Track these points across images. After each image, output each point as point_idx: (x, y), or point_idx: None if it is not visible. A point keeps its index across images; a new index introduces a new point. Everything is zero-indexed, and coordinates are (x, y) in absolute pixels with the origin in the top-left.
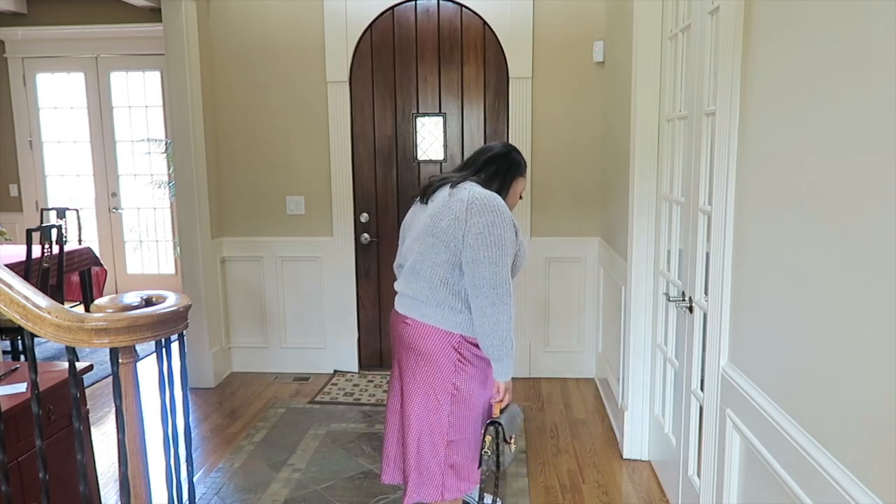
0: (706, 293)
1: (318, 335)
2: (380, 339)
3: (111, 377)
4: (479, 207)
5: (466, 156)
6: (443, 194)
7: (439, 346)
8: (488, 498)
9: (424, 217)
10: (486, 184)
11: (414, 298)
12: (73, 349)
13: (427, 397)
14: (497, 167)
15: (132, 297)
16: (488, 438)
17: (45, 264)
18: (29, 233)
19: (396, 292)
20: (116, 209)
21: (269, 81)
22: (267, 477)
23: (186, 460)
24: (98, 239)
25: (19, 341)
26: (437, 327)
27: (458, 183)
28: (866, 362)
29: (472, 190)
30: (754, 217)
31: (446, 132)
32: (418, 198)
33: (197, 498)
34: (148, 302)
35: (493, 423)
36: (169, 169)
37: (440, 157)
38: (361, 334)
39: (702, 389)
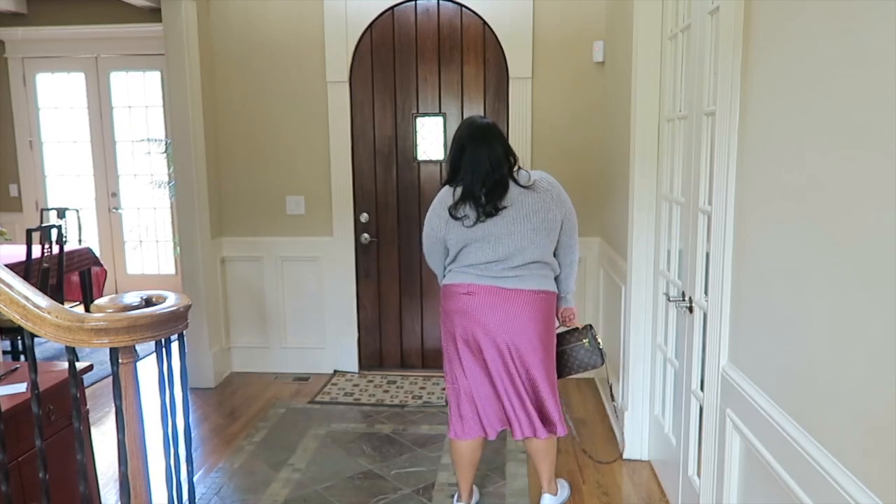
0: (706, 293)
1: (318, 335)
2: (380, 339)
3: (111, 377)
4: (557, 189)
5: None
6: (517, 195)
7: (554, 303)
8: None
9: (520, 217)
10: (517, 163)
11: (540, 275)
12: (73, 349)
13: (553, 348)
14: (507, 144)
15: (132, 297)
16: (590, 338)
17: (45, 264)
18: (29, 233)
19: (483, 276)
20: (116, 209)
21: (268, 81)
22: (267, 477)
23: (186, 460)
24: (98, 239)
25: (19, 341)
26: (555, 291)
27: (517, 178)
28: (867, 362)
29: (538, 178)
30: (754, 217)
31: (446, 132)
32: (477, 218)
33: (197, 498)
34: (148, 302)
35: (589, 325)
36: (169, 169)
37: (440, 157)
38: (361, 334)
39: (702, 389)
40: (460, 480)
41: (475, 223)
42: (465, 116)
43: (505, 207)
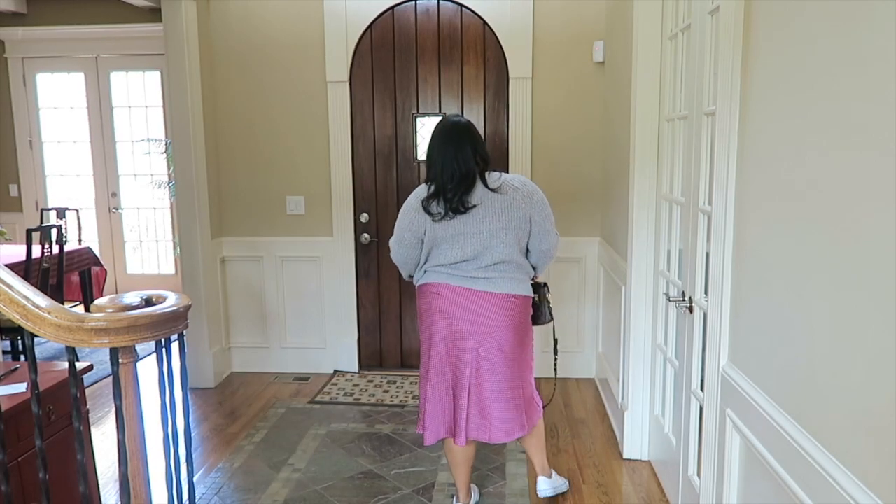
0: (706, 293)
1: (318, 335)
2: (380, 339)
3: (111, 377)
4: (530, 190)
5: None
6: (485, 195)
7: (529, 307)
8: None
9: (489, 216)
10: (488, 165)
11: (513, 279)
12: (73, 349)
13: (527, 351)
14: (477, 144)
15: (132, 297)
16: (541, 295)
17: (45, 264)
18: (29, 233)
19: (455, 276)
20: (116, 209)
21: (268, 81)
22: (267, 477)
23: (186, 460)
24: (98, 239)
25: (19, 341)
26: (528, 295)
27: (487, 180)
28: (867, 362)
29: (510, 179)
30: (754, 217)
31: None
32: (445, 213)
33: (197, 498)
34: (148, 302)
35: (543, 283)
36: (169, 169)
37: None
38: (361, 334)
39: (702, 389)
40: (456, 479)
41: (443, 219)
42: (465, 116)
43: (473, 206)
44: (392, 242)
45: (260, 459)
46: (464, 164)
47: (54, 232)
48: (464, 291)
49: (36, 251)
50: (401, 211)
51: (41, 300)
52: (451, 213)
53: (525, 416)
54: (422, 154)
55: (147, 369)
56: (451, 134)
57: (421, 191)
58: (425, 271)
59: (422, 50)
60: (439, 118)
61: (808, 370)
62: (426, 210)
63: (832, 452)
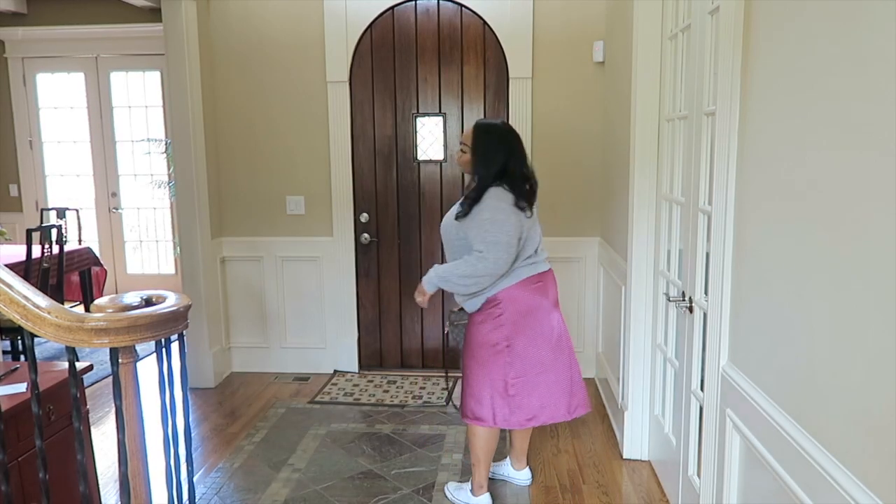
0: (706, 293)
1: (318, 335)
2: (380, 339)
3: (111, 377)
4: None
5: None
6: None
7: None
8: None
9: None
10: None
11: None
12: (73, 349)
13: None
14: None
15: (132, 297)
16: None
17: (45, 264)
18: (29, 233)
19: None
20: (116, 209)
21: (268, 81)
22: (267, 477)
23: (186, 460)
24: (98, 239)
25: (19, 341)
26: None
27: None
28: (867, 362)
29: None
30: (754, 217)
31: (446, 132)
32: (530, 207)
33: (197, 498)
34: (148, 302)
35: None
36: (169, 169)
37: (440, 157)
38: (361, 334)
39: (702, 389)
40: (486, 469)
41: (531, 214)
42: (464, 116)
43: None
44: (495, 255)
45: (260, 459)
46: (528, 161)
47: (54, 232)
48: (549, 274)
49: (36, 251)
50: (494, 221)
51: (41, 300)
52: (533, 207)
53: None
54: (422, 154)
55: (147, 369)
56: (516, 136)
57: (503, 193)
58: (514, 269)
59: (422, 50)
60: (439, 117)
61: (808, 370)
62: (523, 209)
63: (832, 452)
